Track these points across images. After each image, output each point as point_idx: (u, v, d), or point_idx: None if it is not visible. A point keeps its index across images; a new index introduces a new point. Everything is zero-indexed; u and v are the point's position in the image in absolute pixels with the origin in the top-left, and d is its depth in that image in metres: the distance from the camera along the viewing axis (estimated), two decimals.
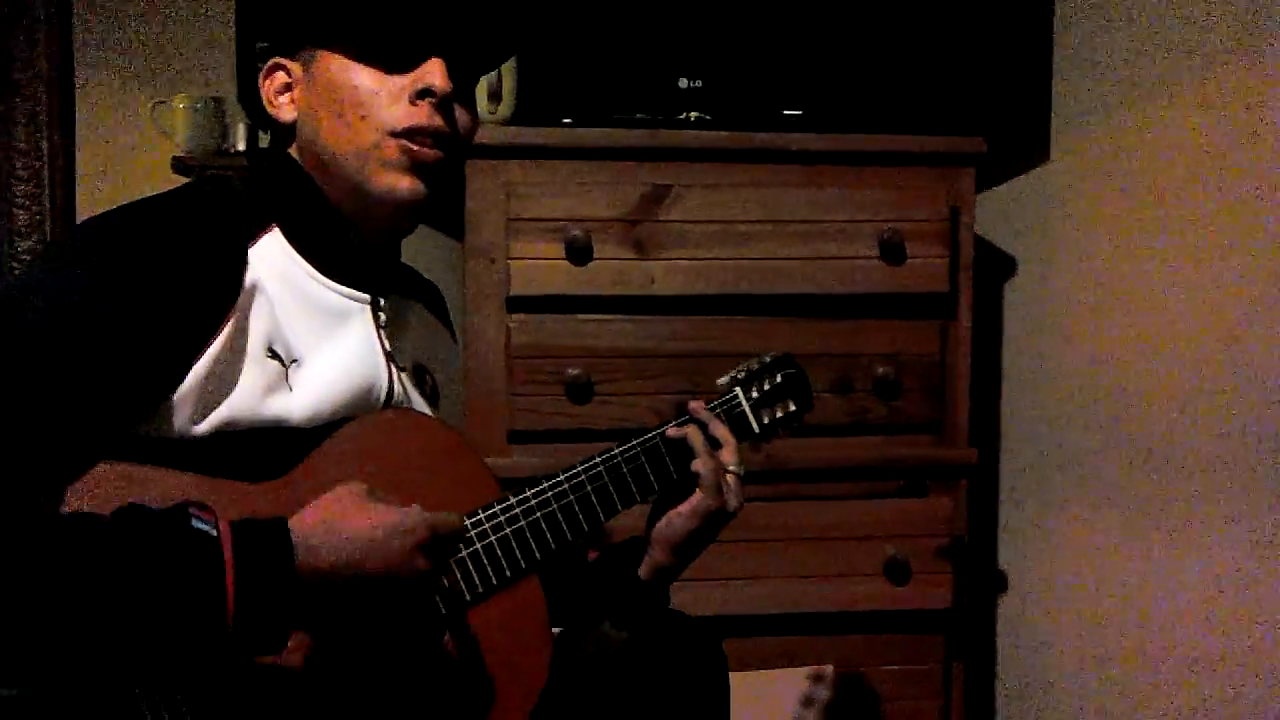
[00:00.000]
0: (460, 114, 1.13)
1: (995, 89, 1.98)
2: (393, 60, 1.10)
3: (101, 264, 0.98)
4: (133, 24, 2.23)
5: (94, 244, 1.00)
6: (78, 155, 2.23)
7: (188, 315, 1.00)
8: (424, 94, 1.09)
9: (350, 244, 1.14)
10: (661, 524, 1.24)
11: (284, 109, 1.14)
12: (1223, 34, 1.70)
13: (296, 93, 1.14)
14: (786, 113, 1.91)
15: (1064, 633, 2.07)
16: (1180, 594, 1.79)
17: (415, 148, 1.09)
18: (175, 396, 0.99)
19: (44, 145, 2.16)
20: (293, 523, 0.93)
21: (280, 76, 1.14)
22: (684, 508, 1.22)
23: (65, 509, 0.93)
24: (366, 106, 1.09)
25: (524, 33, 1.56)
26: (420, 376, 1.25)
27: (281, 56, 1.14)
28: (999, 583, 2.24)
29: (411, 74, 1.10)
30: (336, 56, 1.10)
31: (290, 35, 1.14)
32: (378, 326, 1.17)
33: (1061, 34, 2.05)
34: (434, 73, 1.09)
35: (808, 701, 1.88)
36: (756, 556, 1.85)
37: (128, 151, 2.23)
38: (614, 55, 1.90)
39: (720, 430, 1.24)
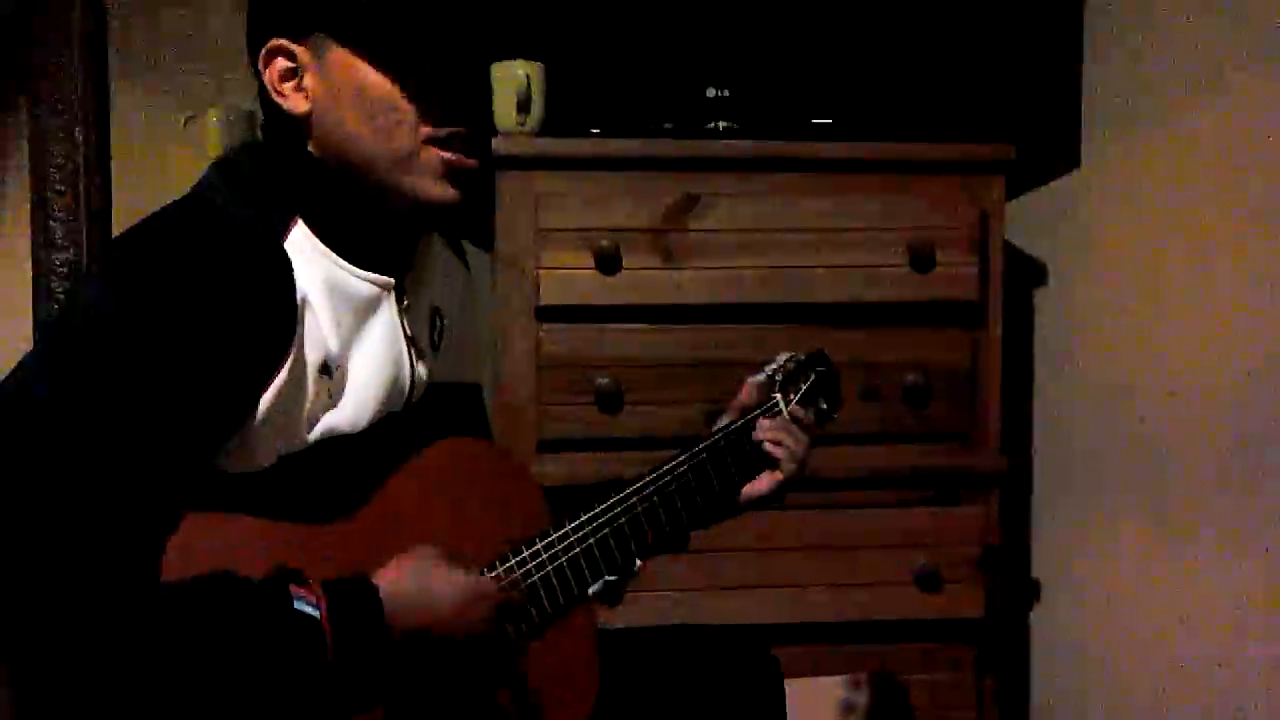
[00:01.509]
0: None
1: (1025, 95, 1.97)
2: (432, 68, 1.06)
3: (160, 302, 0.95)
4: (167, 39, 2.25)
5: (146, 280, 0.96)
6: (113, 168, 2.25)
7: (253, 348, 0.98)
8: None
9: (375, 233, 1.11)
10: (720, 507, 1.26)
11: (293, 98, 1.06)
12: (1254, 40, 1.68)
13: (307, 80, 1.05)
14: (814, 121, 1.91)
15: (1098, 643, 2.05)
16: (1216, 603, 1.77)
17: (455, 156, 1.07)
18: (250, 430, 0.99)
19: (80, 159, 2.19)
20: (383, 589, 0.97)
21: (283, 61, 1.05)
22: (755, 487, 1.25)
23: (164, 563, 0.94)
24: (404, 113, 1.05)
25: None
26: (432, 322, 1.22)
27: (284, 38, 1.05)
28: (1032, 592, 2.22)
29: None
30: (367, 52, 1.04)
31: (296, 14, 1.05)
32: (400, 312, 1.15)
33: (1091, 40, 2.04)
34: None
35: (839, 712, 1.87)
36: (786, 565, 1.85)
37: (162, 164, 2.25)
38: (642, 65, 1.90)
39: (796, 429, 1.26)
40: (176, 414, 0.93)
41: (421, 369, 1.18)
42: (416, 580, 0.99)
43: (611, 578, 1.28)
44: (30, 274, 2.17)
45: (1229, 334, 1.74)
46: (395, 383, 1.13)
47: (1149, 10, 1.90)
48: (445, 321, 1.25)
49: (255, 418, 0.99)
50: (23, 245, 2.18)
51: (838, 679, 1.87)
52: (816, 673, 1.87)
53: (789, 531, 1.82)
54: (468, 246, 2.25)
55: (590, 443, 1.82)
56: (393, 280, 1.13)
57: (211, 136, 2.08)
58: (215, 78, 2.26)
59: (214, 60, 2.26)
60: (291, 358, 1.00)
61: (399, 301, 1.14)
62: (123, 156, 2.25)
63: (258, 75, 1.08)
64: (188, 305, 0.95)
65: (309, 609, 0.92)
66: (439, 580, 1.00)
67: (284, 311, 1.00)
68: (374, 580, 0.97)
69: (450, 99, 1.07)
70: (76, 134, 2.18)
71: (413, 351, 1.16)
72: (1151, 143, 1.90)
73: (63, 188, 2.18)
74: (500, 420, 1.80)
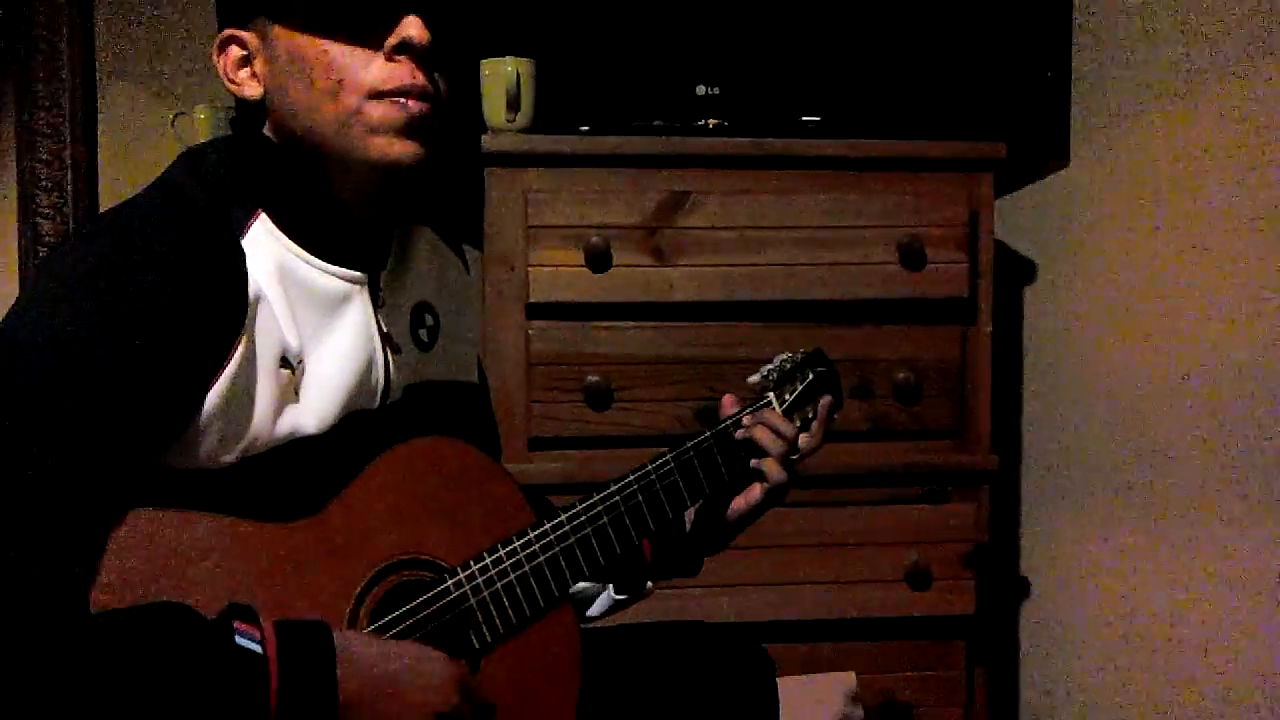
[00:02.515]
0: (438, 75, 1.05)
1: (1014, 93, 1.97)
2: (363, 18, 1.01)
3: (103, 293, 0.92)
4: (154, 36, 2.24)
5: (91, 271, 0.94)
6: (100, 166, 2.24)
7: (200, 338, 0.95)
8: (402, 49, 1.01)
9: (340, 221, 1.08)
10: (719, 517, 1.25)
11: (247, 84, 1.05)
12: (1242, 38, 1.69)
13: (257, 65, 1.04)
14: (805, 118, 1.91)
15: (1087, 639, 2.06)
16: (1204, 599, 1.78)
17: (403, 104, 1.01)
18: (199, 424, 0.95)
19: (67, 156, 2.18)
20: (338, 640, 0.93)
21: (235, 50, 1.05)
22: (749, 497, 1.23)
23: (105, 562, 0.90)
24: (341, 70, 1.01)
25: None
26: (419, 318, 1.19)
27: (233, 27, 1.05)
28: (1021, 589, 2.23)
29: (383, 30, 1.02)
30: (298, 21, 1.02)
31: (242, 4, 1.05)
32: (375, 308, 1.11)
33: (1081, 38, 2.05)
34: (411, 24, 1.01)
35: (830, 708, 1.87)
36: (777, 563, 1.85)
37: (149, 163, 2.24)
38: (631, 62, 1.90)
39: (779, 422, 1.23)
40: (117, 404, 0.90)
41: (394, 368, 1.14)
42: (378, 644, 0.96)
43: (621, 597, 1.28)
44: (17, 272, 2.16)
45: (1217, 331, 1.74)
46: (365, 381, 1.09)
47: (1137, 11, 1.91)
48: (439, 319, 1.22)
49: (204, 410, 0.95)
50: (10, 242, 2.18)
51: (829, 676, 1.88)
52: (807, 670, 1.88)
53: (780, 529, 1.82)
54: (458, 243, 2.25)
55: (580, 440, 1.82)
56: (364, 276, 1.10)
57: (200, 134, 2.08)
58: (203, 75, 2.25)
59: (201, 58, 2.25)
60: (240, 351, 0.97)
61: (373, 297, 1.11)
62: (110, 154, 2.25)
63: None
64: (129, 294, 0.92)
65: (253, 646, 0.88)
66: (408, 658, 0.96)
67: (233, 303, 0.98)
68: (333, 632, 0.94)
69: (394, 49, 1.02)
70: (64, 131, 2.17)
71: (388, 349, 1.12)
72: (1139, 141, 1.91)
73: (50, 185, 2.17)
74: None
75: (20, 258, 2.16)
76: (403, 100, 1.02)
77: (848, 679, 1.88)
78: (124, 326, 0.91)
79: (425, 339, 1.20)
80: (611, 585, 1.28)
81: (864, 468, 1.89)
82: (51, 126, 2.18)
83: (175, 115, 2.13)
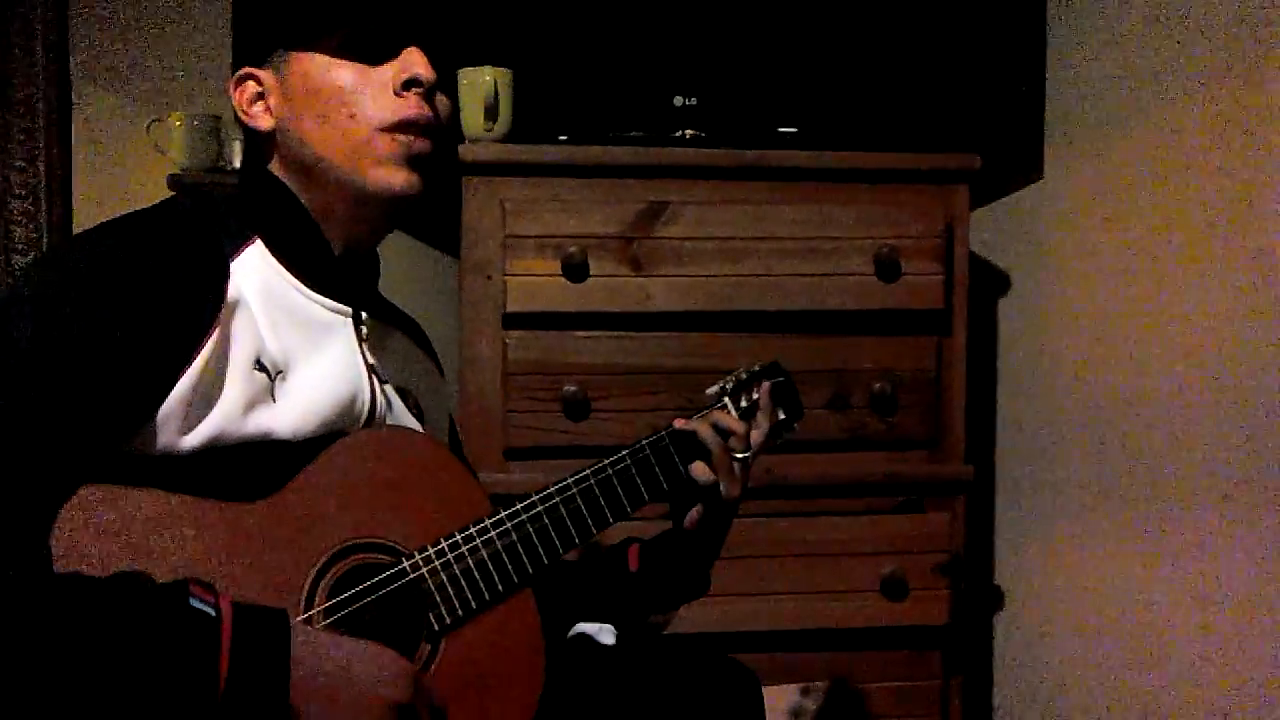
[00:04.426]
0: (440, 102, 1.12)
1: (989, 106, 1.99)
2: (372, 54, 1.09)
3: (84, 280, 0.96)
4: (129, 42, 2.23)
5: (76, 260, 0.98)
6: (74, 172, 2.23)
7: (172, 329, 0.98)
8: (410, 85, 1.08)
9: (332, 254, 1.13)
10: (681, 519, 1.28)
11: (260, 118, 1.12)
12: (1214, 51, 1.71)
13: (271, 100, 1.11)
14: (781, 130, 1.92)
15: (1061, 647, 2.07)
16: (1178, 606, 1.80)
17: (408, 140, 1.08)
18: (161, 412, 0.97)
19: (41, 162, 2.16)
20: (295, 626, 0.93)
21: (251, 86, 1.12)
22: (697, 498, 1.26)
23: (56, 535, 0.91)
24: (352, 104, 1.07)
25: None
26: (404, 396, 1.24)
27: (250, 66, 1.12)
28: (996, 598, 2.24)
29: (391, 65, 1.09)
30: (313, 56, 1.08)
31: (258, 42, 1.12)
32: (360, 340, 1.16)
33: (1054, 51, 2.07)
34: (418, 62, 1.09)
35: (797, 716, 1.87)
36: (752, 572, 1.85)
37: (124, 168, 2.23)
38: (609, 73, 1.91)
39: (725, 419, 1.26)
40: (86, 382, 0.92)
41: (390, 397, 1.18)
42: (332, 635, 0.96)
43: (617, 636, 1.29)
44: None
45: (1190, 341, 1.76)
46: (350, 402, 1.12)
47: (1108, 27, 1.93)
48: (420, 403, 1.26)
49: (171, 397, 0.97)
50: None
51: (791, 686, 1.88)
52: (782, 680, 1.88)
53: (756, 539, 1.82)
54: (435, 253, 2.25)
55: (557, 450, 1.82)
56: (350, 309, 1.15)
57: (175, 140, 2.07)
58: (179, 82, 2.24)
59: (177, 64, 2.25)
60: (211, 344, 0.99)
61: (358, 331, 1.16)
62: (85, 160, 2.23)
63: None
64: (111, 278, 0.96)
65: (206, 608, 0.88)
66: (362, 648, 0.96)
67: (209, 300, 1.01)
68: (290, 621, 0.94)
69: (402, 85, 1.08)
70: (38, 136, 2.15)
71: (374, 379, 1.16)
72: (1111, 154, 1.92)
73: (23, 191, 2.15)
74: (467, 428, 1.79)
75: None
76: (409, 136, 1.09)
77: (815, 687, 1.89)
78: (98, 309, 0.94)
79: (416, 411, 1.24)
80: (610, 626, 1.30)
81: (840, 478, 1.89)
82: (25, 132, 2.16)
83: (150, 121, 2.12)
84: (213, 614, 0.88)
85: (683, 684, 1.23)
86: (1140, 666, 1.87)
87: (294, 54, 1.09)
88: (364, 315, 1.17)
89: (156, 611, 0.87)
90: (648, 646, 1.30)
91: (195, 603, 0.88)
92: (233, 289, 1.03)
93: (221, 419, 1.01)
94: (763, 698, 1.27)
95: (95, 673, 0.83)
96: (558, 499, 1.17)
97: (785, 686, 1.88)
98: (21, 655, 0.82)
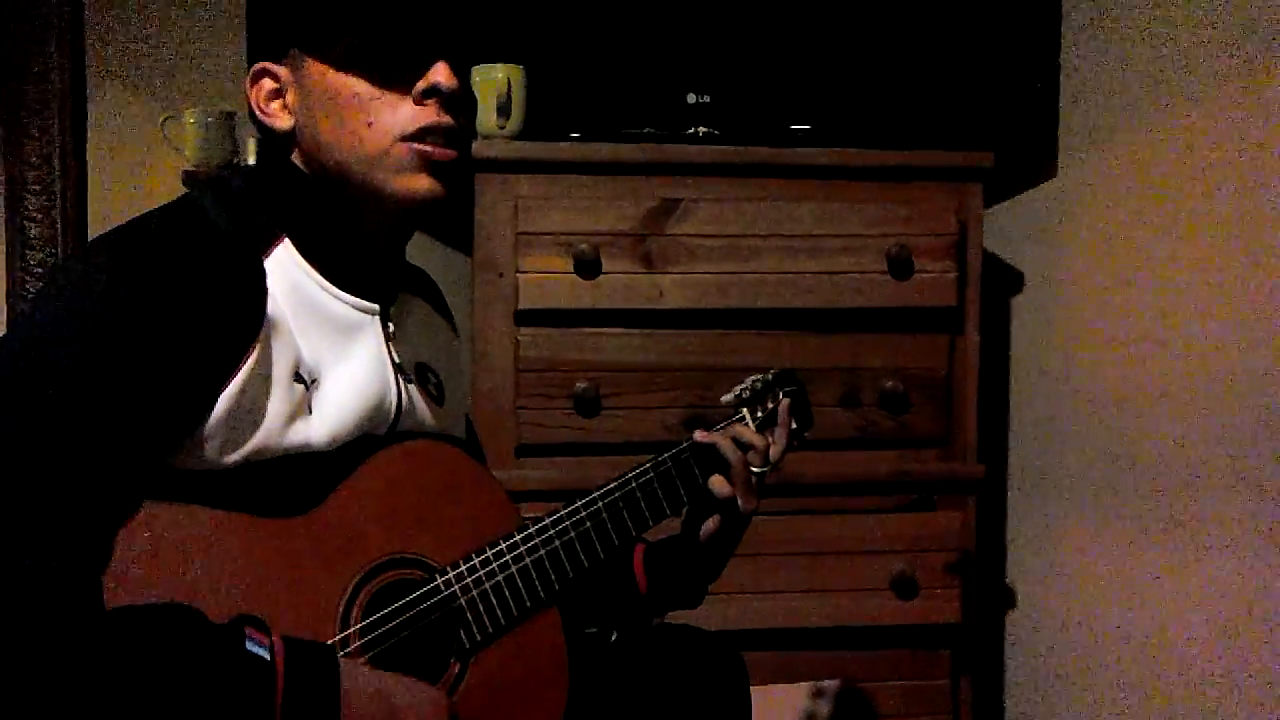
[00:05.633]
0: (463, 116, 1.10)
1: (1003, 104, 1.98)
2: (395, 61, 1.06)
3: (124, 297, 0.94)
4: (144, 39, 2.24)
5: (112, 275, 0.96)
6: (89, 169, 2.24)
7: (213, 346, 0.97)
8: (430, 93, 1.06)
9: (360, 253, 1.11)
10: (695, 530, 1.28)
11: (278, 116, 1.09)
12: (1229, 49, 1.70)
13: (289, 98, 1.08)
14: (794, 127, 1.92)
15: (1072, 648, 2.06)
16: (1188, 608, 1.79)
17: (430, 149, 1.06)
18: (204, 430, 0.97)
19: (56, 159, 2.17)
20: (342, 663, 0.96)
21: (267, 83, 1.09)
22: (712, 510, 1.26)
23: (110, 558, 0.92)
24: (371, 113, 1.05)
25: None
26: (424, 376, 1.22)
27: (267, 61, 1.09)
28: (1007, 598, 2.23)
29: (412, 74, 1.06)
30: (332, 56, 1.06)
31: (276, 39, 1.09)
32: (386, 339, 1.15)
33: (1069, 49, 2.06)
34: (440, 70, 1.06)
35: (810, 717, 1.87)
36: (763, 570, 1.85)
37: (139, 165, 2.24)
38: (622, 70, 1.91)
39: (746, 433, 1.27)
40: (130, 405, 0.92)
41: (414, 396, 1.18)
42: (373, 671, 0.99)
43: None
44: (4, 275, 2.15)
45: (1204, 341, 1.75)
46: (379, 404, 1.12)
47: (1124, 24, 1.92)
48: (440, 377, 1.26)
49: (213, 414, 0.97)
50: None
51: (804, 685, 1.88)
52: (792, 678, 1.88)
53: (766, 537, 1.82)
54: (448, 250, 2.25)
55: (569, 447, 1.82)
56: (376, 307, 1.14)
57: (189, 137, 2.07)
58: (193, 79, 2.25)
59: (192, 61, 2.25)
60: (253, 360, 0.99)
61: (384, 328, 1.15)
62: (99, 157, 2.24)
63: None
64: (150, 296, 0.95)
65: (262, 652, 0.90)
66: (399, 681, 0.99)
67: (250, 314, 1.00)
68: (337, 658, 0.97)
69: (422, 93, 1.06)
70: (53, 134, 2.16)
71: (400, 378, 1.15)
72: (1126, 152, 1.92)
73: (38, 188, 2.16)
74: (479, 424, 1.79)
75: (7, 261, 2.16)
76: (430, 145, 1.06)
77: (828, 687, 1.89)
78: (140, 330, 0.93)
79: (435, 394, 1.23)
80: (615, 632, 1.31)
81: (851, 476, 1.89)
82: (40, 129, 2.17)
83: (164, 118, 2.13)
84: (267, 658, 0.90)
85: (668, 670, 1.24)
86: (1153, 666, 1.86)
87: (312, 57, 1.07)
88: (390, 311, 1.16)
89: (213, 657, 0.88)
90: (639, 637, 1.31)
91: (251, 646, 0.90)
92: (271, 302, 1.02)
93: (264, 435, 1.00)
94: (749, 690, 1.28)
95: (153, 718, 0.85)
96: (583, 513, 1.18)
97: (796, 685, 1.88)
98: (79, 699, 0.83)
